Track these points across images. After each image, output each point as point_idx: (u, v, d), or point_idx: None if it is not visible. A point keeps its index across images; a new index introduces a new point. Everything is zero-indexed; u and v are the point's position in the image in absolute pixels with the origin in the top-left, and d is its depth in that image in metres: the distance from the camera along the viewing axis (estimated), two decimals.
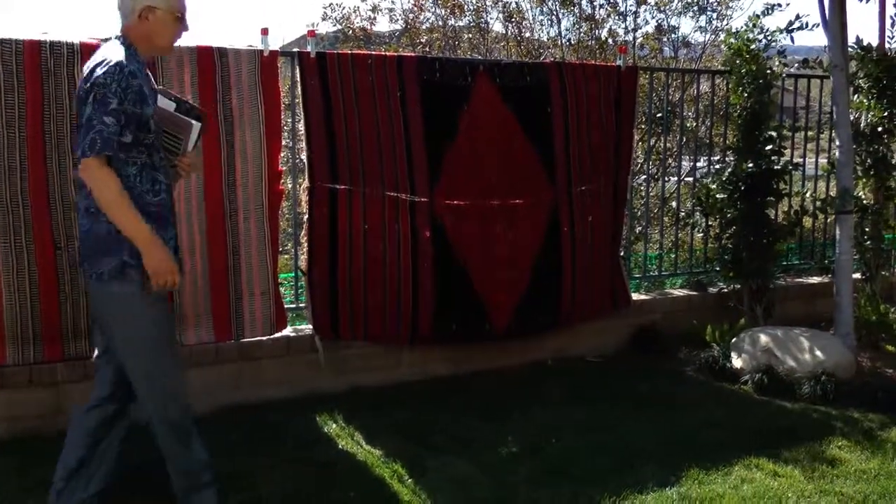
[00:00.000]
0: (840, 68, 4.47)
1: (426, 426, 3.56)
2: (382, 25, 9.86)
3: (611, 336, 4.67)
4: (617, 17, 7.74)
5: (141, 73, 2.43)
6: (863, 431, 3.60)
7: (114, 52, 2.39)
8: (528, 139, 4.19)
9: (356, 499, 2.95)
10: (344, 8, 8.76)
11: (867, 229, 5.07)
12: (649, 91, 5.22)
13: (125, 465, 2.69)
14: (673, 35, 8.05)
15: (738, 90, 4.78)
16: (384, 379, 4.02)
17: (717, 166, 5.11)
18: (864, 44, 4.96)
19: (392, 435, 3.46)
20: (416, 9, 8.42)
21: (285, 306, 3.93)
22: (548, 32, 8.16)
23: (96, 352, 2.70)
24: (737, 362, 4.32)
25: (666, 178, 6.47)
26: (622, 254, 4.81)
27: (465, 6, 8.14)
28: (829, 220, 5.52)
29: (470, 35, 8.28)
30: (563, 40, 7.88)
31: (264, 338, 3.82)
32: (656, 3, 7.91)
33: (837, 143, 4.65)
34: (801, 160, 5.40)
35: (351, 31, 8.66)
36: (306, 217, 3.88)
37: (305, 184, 3.87)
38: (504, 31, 8.23)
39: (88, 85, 2.34)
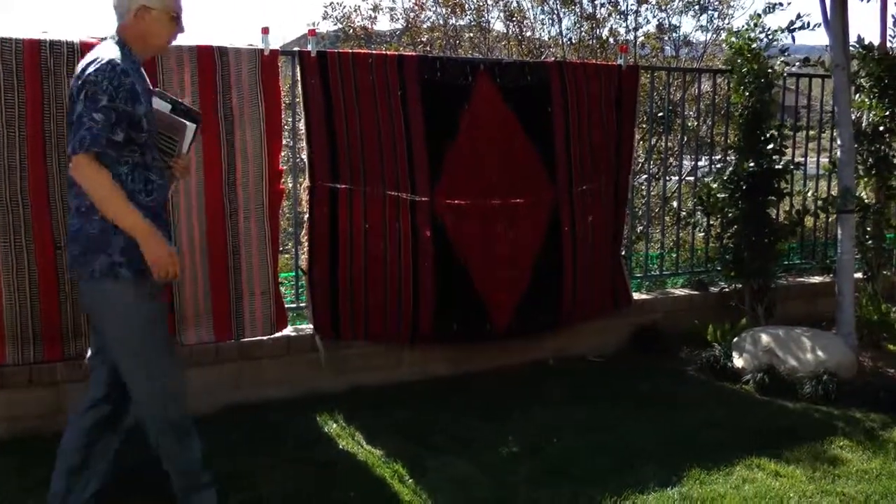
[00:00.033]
0: (841, 67, 4.46)
1: (426, 426, 3.56)
2: (383, 24, 9.87)
3: (612, 335, 4.67)
4: (618, 16, 7.73)
5: (134, 72, 2.42)
6: (865, 431, 3.60)
7: (107, 51, 2.39)
8: (528, 138, 4.18)
9: (356, 499, 2.94)
10: (345, 7, 8.76)
11: (869, 229, 5.06)
12: (650, 90, 5.21)
13: (119, 466, 2.68)
14: (674, 34, 8.05)
15: (740, 89, 4.77)
16: (385, 379, 4.02)
17: (719, 166, 5.10)
18: (866, 43, 4.95)
19: (392, 435, 3.46)
20: (416, 8, 8.42)
21: (286, 306, 3.92)
22: (549, 31, 8.17)
23: (90, 352, 2.69)
24: (738, 362, 4.31)
25: (667, 178, 6.46)
26: (623, 253, 4.80)
27: (466, 5, 8.13)
28: (830, 220, 5.51)
29: (471, 34, 8.27)
30: (564, 39, 7.88)
31: (265, 337, 3.81)
32: (657, 2, 7.90)
33: (839, 142, 4.65)
34: (803, 159, 5.39)
35: (352, 30, 8.65)
36: (307, 216, 3.87)
37: (306, 183, 3.87)
38: (505, 31, 8.23)
39: (80, 82, 2.34)
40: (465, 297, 4.10)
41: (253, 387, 3.76)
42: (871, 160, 5.02)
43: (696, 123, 6.04)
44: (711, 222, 5.14)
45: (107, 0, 2.55)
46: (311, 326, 3.92)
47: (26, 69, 3.20)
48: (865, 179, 5.09)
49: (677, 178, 6.58)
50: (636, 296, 4.84)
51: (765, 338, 4.31)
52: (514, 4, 8.04)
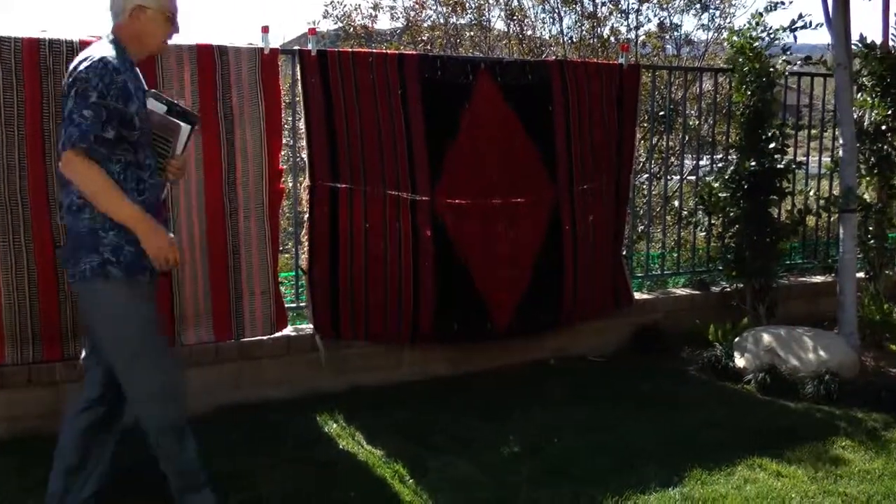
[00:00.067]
0: (843, 66, 4.45)
1: (427, 426, 3.55)
2: (384, 23, 9.86)
3: (613, 335, 4.66)
4: (619, 15, 7.72)
5: (128, 70, 2.41)
6: (867, 431, 3.58)
7: (100, 50, 2.39)
8: (529, 138, 4.17)
9: (357, 499, 2.93)
10: (345, 6, 8.75)
11: (871, 228, 5.05)
12: (652, 89, 5.20)
13: (117, 467, 2.67)
14: (675, 33, 8.04)
15: (741, 88, 4.75)
16: (385, 378, 4.01)
17: (720, 165, 5.09)
18: (868, 41, 4.94)
19: (393, 435, 3.45)
20: (417, 6, 8.41)
21: (286, 305, 3.91)
22: (550, 30, 8.16)
23: (84, 352, 2.68)
24: (740, 362, 4.30)
25: (668, 177, 6.45)
26: (624, 252, 4.79)
27: (467, 4, 8.12)
28: (832, 219, 5.50)
29: (472, 33, 8.26)
30: (565, 38, 7.87)
31: (264, 337, 3.80)
32: (658, 1, 7.89)
33: (841, 141, 4.64)
34: (805, 159, 5.38)
35: (352, 29, 8.64)
36: (307, 216, 3.86)
37: (306, 182, 3.86)
38: (506, 29, 8.21)
39: (71, 80, 2.34)
40: (466, 297, 4.09)
41: (253, 387, 3.75)
42: (873, 159, 5.01)
43: (697, 122, 6.03)
44: (713, 222, 5.13)
45: (107, 0, 2.54)
46: (311, 326, 3.91)
47: (25, 68, 3.19)
48: (867, 179, 5.08)
49: (679, 177, 6.56)
50: (637, 295, 4.83)
51: (766, 337, 4.30)
52: (515, 3, 8.03)
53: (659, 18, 8.02)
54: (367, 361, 4.01)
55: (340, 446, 3.37)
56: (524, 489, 3.01)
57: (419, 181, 3.97)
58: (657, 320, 4.77)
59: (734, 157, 4.92)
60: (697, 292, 5.02)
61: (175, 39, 2.94)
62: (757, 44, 4.71)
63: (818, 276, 5.47)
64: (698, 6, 7.88)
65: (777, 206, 5.01)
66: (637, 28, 7.87)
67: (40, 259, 3.29)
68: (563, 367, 4.38)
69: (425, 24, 8.39)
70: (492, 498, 2.96)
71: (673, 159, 6.96)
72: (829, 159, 5.48)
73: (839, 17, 4.43)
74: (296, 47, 3.96)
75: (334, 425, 3.55)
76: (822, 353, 4.14)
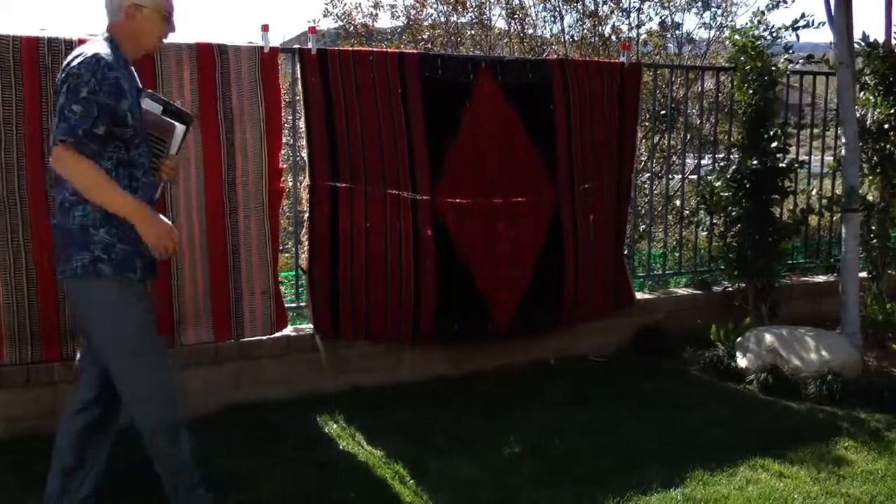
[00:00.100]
0: (846, 65, 4.43)
1: (427, 426, 3.54)
2: (384, 22, 9.85)
3: (614, 335, 4.64)
4: (620, 14, 7.71)
5: (121, 68, 2.40)
6: (869, 432, 3.57)
7: (94, 47, 2.38)
8: (530, 137, 4.16)
9: (357, 499, 2.92)
10: (345, 4, 8.73)
11: (874, 227, 5.03)
12: (653, 88, 5.17)
13: (113, 468, 2.66)
14: (677, 31, 8.02)
15: (743, 87, 4.74)
16: (385, 379, 4.00)
17: (722, 164, 5.07)
18: (871, 40, 4.92)
19: (393, 435, 3.44)
20: (418, 5, 8.40)
21: (286, 305, 3.90)
22: (551, 29, 8.15)
23: (80, 353, 2.67)
24: (742, 362, 4.28)
25: (670, 176, 6.43)
26: (626, 252, 4.78)
27: (468, 2, 8.10)
28: (835, 219, 5.48)
29: (472, 31, 8.24)
30: (567, 37, 7.85)
31: (264, 337, 3.79)
32: (660, 0, 7.87)
33: (843, 140, 4.62)
34: (807, 158, 5.36)
35: (352, 28, 8.62)
36: (307, 215, 3.85)
37: (306, 181, 3.85)
38: (507, 28, 8.20)
39: (63, 75, 2.33)
40: (467, 296, 4.08)
41: (252, 387, 3.74)
42: (875, 158, 4.98)
43: (699, 121, 6.01)
44: (715, 221, 5.11)
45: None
46: (311, 326, 3.90)
47: (24, 67, 3.18)
48: (870, 178, 5.06)
49: (680, 176, 6.54)
50: (639, 295, 4.81)
51: (768, 337, 4.29)
52: (516, 2, 8.01)
53: (660, 17, 8.01)
54: (367, 361, 4.00)
55: (340, 447, 3.36)
56: (525, 490, 3.00)
57: (420, 180, 3.95)
58: (659, 320, 4.75)
59: (736, 156, 4.90)
60: (699, 292, 5.00)
61: (174, 38, 2.93)
62: (759, 42, 4.69)
63: (820, 276, 5.45)
64: (700, 5, 7.87)
65: (779, 205, 4.99)
66: (638, 27, 7.86)
67: (39, 259, 3.28)
68: (564, 368, 4.36)
69: (426, 23, 8.38)
70: (493, 498, 2.95)
71: (674, 158, 6.94)
72: (831, 158, 5.46)
73: (841, 15, 4.41)
74: (296, 46, 3.95)
75: (334, 426, 3.54)
76: (824, 353, 4.12)
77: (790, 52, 4.86)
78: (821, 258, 5.58)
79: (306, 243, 3.87)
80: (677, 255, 5.25)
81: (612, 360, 4.51)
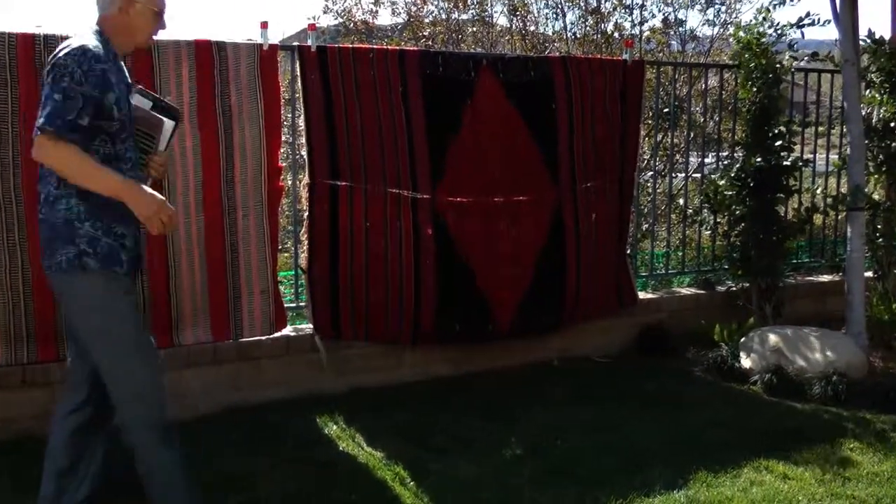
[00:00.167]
0: (851, 62, 4.40)
1: (428, 427, 3.51)
2: (384, 19, 9.80)
3: (616, 335, 4.62)
4: (623, 11, 7.65)
5: (110, 61, 2.37)
6: (875, 433, 3.54)
7: (81, 38, 2.36)
8: (531, 135, 4.13)
9: (357, 501, 2.90)
10: (345, 1, 8.68)
11: (879, 226, 4.99)
12: (656, 86, 5.13)
13: (110, 469, 2.63)
14: (680, 28, 7.96)
15: (747, 84, 4.70)
16: (385, 379, 3.97)
17: (726, 162, 5.04)
18: (877, 37, 4.88)
19: (393, 436, 3.42)
20: (419, 2, 8.34)
21: (285, 305, 3.87)
22: (553, 26, 8.09)
23: (70, 353, 2.64)
24: (746, 362, 4.25)
25: (673, 175, 6.39)
26: (628, 251, 4.75)
27: None
28: (840, 218, 5.45)
29: (474, 29, 8.20)
30: (569, 34, 7.81)
31: (263, 337, 3.76)
32: None
33: (849, 138, 4.59)
34: (812, 156, 5.33)
35: (352, 25, 8.57)
36: (306, 214, 3.83)
37: (305, 180, 3.82)
38: (508, 25, 8.15)
39: (49, 66, 2.30)
40: (468, 296, 4.05)
41: (252, 388, 3.71)
42: (881, 157, 4.95)
43: (702, 119, 5.96)
44: (718, 220, 5.08)
45: None
46: (310, 326, 3.88)
47: (20, 64, 3.16)
48: (876, 176, 5.02)
49: (683, 174, 6.51)
50: (641, 295, 4.78)
51: (773, 338, 4.25)
52: None
53: (663, 14, 7.95)
54: (367, 362, 3.97)
55: (340, 447, 3.34)
56: (527, 490, 2.97)
57: (420, 179, 3.92)
58: (662, 320, 4.72)
59: (740, 154, 4.87)
60: (703, 292, 4.97)
61: (173, 35, 2.92)
62: (763, 39, 4.66)
63: (825, 276, 5.42)
64: (703, 1, 7.82)
65: (784, 204, 4.96)
66: (641, 24, 7.81)
67: (35, 258, 3.24)
68: (566, 368, 4.34)
69: (427, 20, 8.33)
70: (494, 499, 2.92)
71: (678, 157, 6.91)
72: (836, 157, 5.43)
73: (847, 12, 4.37)
74: (295, 43, 3.92)
75: (334, 426, 3.51)
76: (829, 353, 4.10)
77: (794, 49, 4.82)
78: (826, 257, 5.56)
79: (306, 242, 3.84)
80: (680, 254, 5.22)
81: (615, 360, 4.49)
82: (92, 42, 2.34)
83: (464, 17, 8.23)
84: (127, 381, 2.42)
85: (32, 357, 3.32)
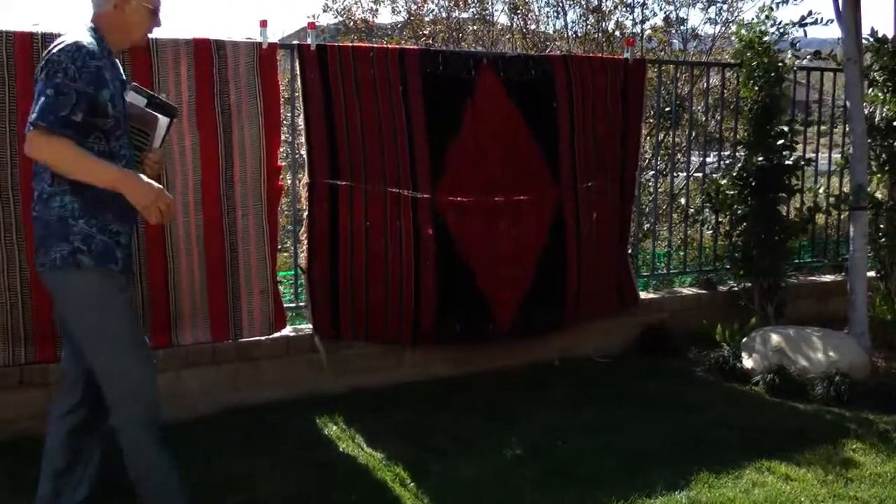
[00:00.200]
0: (854, 61, 4.38)
1: (428, 427, 3.50)
2: (385, 17, 9.79)
3: (618, 335, 4.60)
4: (624, 9, 7.62)
5: (104, 58, 2.36)
6: (878, 433, 3.52)
7: (75, 35, 2.34)
8: (532, 134, 4.11)
9: (357, 502, 2.88)
10: None
11: (882, 226, 4.98)
12: (658, 84, 5.11)
13: (108, 469, 2.62)
14: (682, 27, 7.93)
15: (749, 83, 4.69)
16: (385, 380, 3.96)
17: (728, 161, 5.02)
18: (879, 35, 4.86)
19: (393, 436, 3.40)
20: (419, 0, 8.32)
21: (284, 305, 3.86)
22: (554, 24, 8.07)
23: (63, 354, 2.62)
24: (747, 362, 4.23)
25: (675, 174, 6.38)
26: (630, 251, 4.73)
27: None
28: (842, 217, 5.44)
29: (474, 27, 8.18)
30: (570, 32, 7.78)
31: (263, 337, 3.75)
32: None
33: (851, 137, 4.57)
34: (814, 155, 5.31)
35: (352, 23, 8.55)
36: (306, 213, 3.81)
37: (305, 179, 3.80)
38: (509, 24, 8.13)
39: (43, 62, 2.29)
40: (468, 296, 4.04)
41: (251, 388, 3.70)
42: (884, 156, 4.93)
43: (704, 118, 5.94)
44: (720, 219, 5.07)
45: None
46: (310, 326, 3.86)
47: (17, 62, 3.14)
48: (879, 176, 5.00)
49: (685, 174, 6.49)
50: (643, 295, 4.77)
51: (775, 338, 4.24)
52: None
53: (665, 12, 7.92)
54: (367, 362, 3.96)
55: (340, 448, 3.32)
56: (527, 491, 2.96)
57: (420, 178, 3.91)
58: (663, 320, 4.71)
59: (742, 153, 4.86)
60: (704, 292, 4.96)
61: (171, 34, 2.90)
62: (765, 38, 4.64)
63: (828, 275, 5.40)
64: (705, 0, 7.79)
65: (786, 203, 4.94)
66: (643, 22, 7.78)
67: (32, 258, 3.22)
68: (567, 368, 4.33)
69: (427, 18, 8.31)
70: (494, 500, 2.91)
71: (679, 156, 6.89)
72: (839, 156, 5.41)
73: (849, 10, 4.36)
74: (295, 42, 3.91)
75: (334, 427, 3.50)
76: (831, 353, 4.08)
77: (797, 47, 4.80)
78: (828, 257, 5.54)
79: (305, 242, 3.83)
80: (682, 254, 5.20)
81: (616, 360, 4.47)
82: (86, 38, 2.32)
83: (464, 15, 8.21)
84: (122, 380, 2.41)
85: (30, 357, 3.30)
